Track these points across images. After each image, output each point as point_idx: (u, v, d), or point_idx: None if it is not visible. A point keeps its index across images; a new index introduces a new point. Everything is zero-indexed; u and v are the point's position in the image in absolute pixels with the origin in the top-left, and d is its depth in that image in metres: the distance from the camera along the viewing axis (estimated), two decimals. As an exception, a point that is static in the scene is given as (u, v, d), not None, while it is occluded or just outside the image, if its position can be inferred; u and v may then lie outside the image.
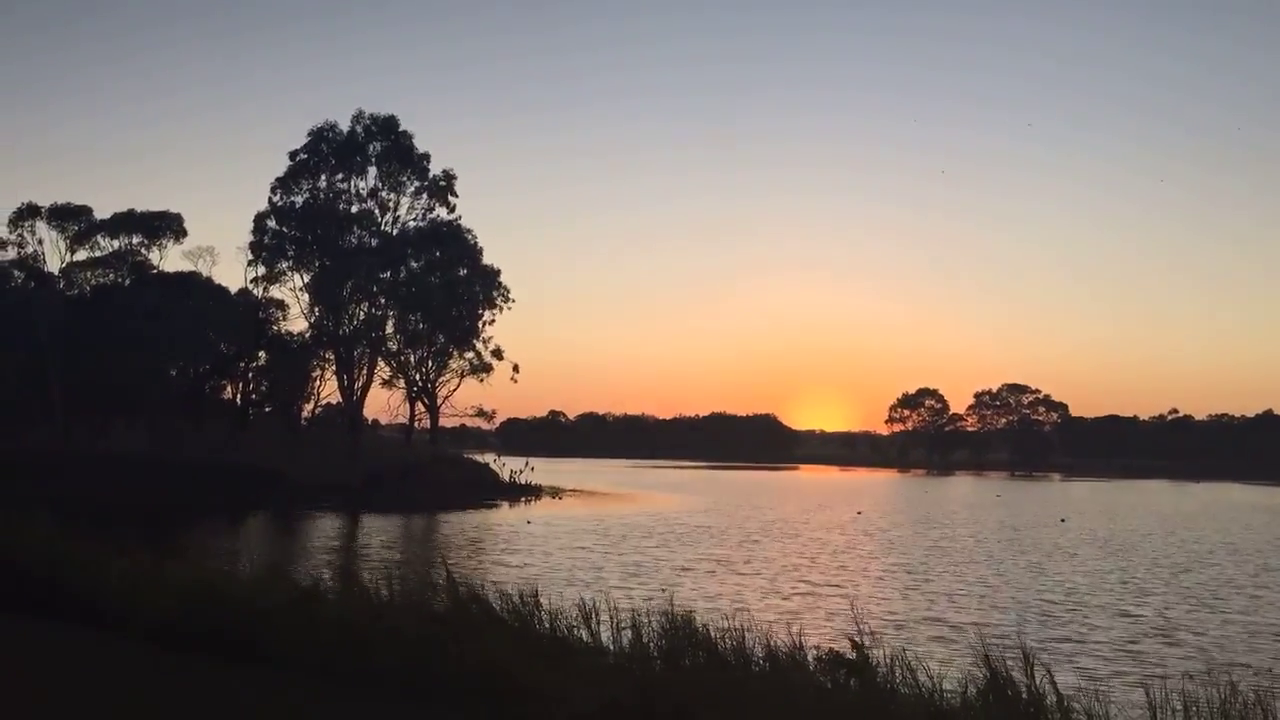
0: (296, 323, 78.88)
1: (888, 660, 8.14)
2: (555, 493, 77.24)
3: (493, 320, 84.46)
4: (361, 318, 78.69)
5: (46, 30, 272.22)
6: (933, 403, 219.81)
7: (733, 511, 63.43)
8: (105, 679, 9.99)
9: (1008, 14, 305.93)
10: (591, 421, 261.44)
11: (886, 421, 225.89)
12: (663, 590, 24.92)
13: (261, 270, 77.66)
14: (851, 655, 8.21)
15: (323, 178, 77.94)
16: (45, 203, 74.77)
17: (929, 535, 49.20)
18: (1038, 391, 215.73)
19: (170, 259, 79.64)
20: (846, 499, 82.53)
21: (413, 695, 9.30)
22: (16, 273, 75.18)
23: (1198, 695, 7.68)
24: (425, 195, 79.49)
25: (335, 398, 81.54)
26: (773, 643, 8.63)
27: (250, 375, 79.69)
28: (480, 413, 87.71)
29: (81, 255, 76.40)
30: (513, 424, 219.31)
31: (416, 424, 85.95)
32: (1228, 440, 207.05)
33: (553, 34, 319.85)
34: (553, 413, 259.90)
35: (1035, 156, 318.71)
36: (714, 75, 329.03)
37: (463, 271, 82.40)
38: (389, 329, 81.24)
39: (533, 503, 69.00)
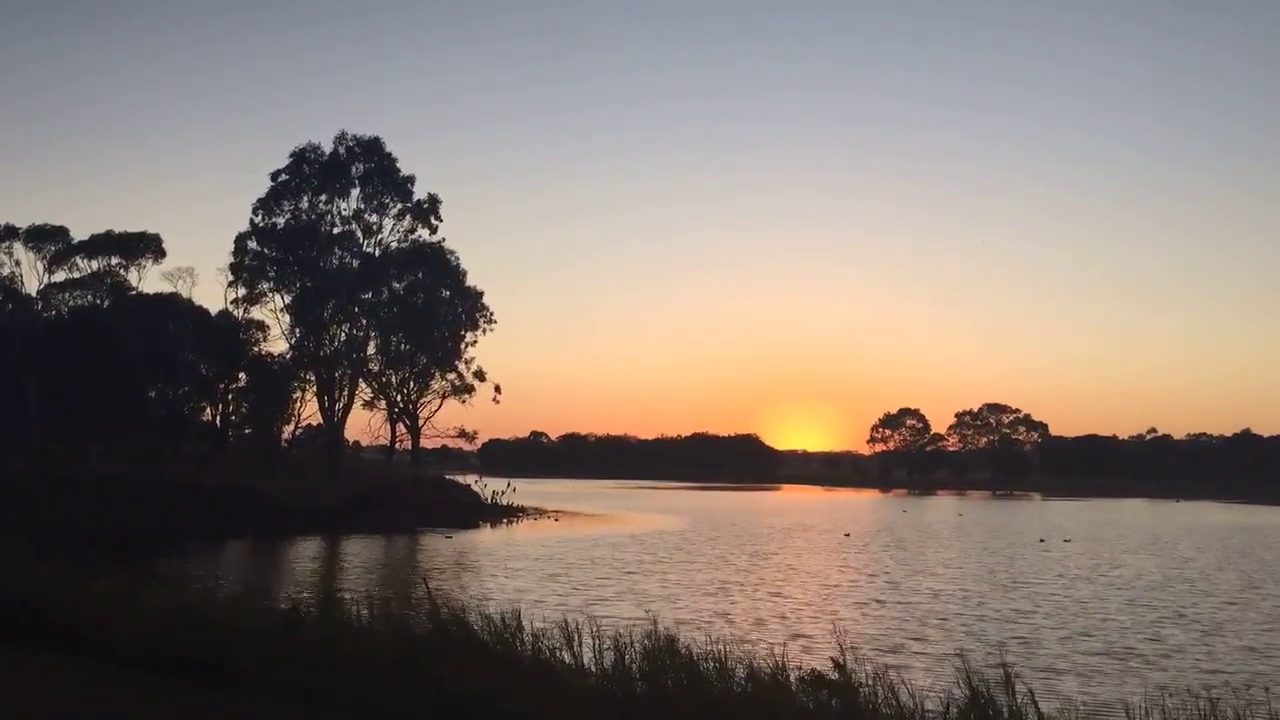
0: (277, 344, 78.69)
1: (870, 680, 8.15)
2: (537, 514, 77.01)
3: (475, 341, 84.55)
4: (343, 339, 78.47)
5: (23, 49, 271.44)
6: (914, 422, 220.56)
7: (720, 533, 63.34)
8: (83, 705, 9.89)
9: (1003, 24, 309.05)
10: (573, 442, 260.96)
11: (868, 441, 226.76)
12: (646, 612, 24.88)
13: (242, 291, 77.48)
14: (834, 675, 8.20)
15: (305, 199, 77.79)
16: (22, 224, 74.44)
17: (918, 559, 49.31)
18: (1018, 411, 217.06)
19: (149, 280, 79.27)
20: (831, 520, 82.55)
21: (394, 719, 9.24)
22: (-7, 295, 74.62)
23: (1178, 714, 7.72)
24: (408, 217, 79.44)
25: (316, 419, 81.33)
26: (755, 664, 8.62)
27: (230, 397, 79.32)
28: (462, 434, 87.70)
29: (59, 276, 75.99)
30: (494, 445, 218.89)
31: (398, 445, 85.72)
32: (1206, 459, 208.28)
33: (533, 52, 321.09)
34: (534, 433, 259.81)
35: (1015, 178, 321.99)
36: (694, 98, 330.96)
37: (445, 293, 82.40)
38: (370, 350, 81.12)
39: (515, 524, 68.77)
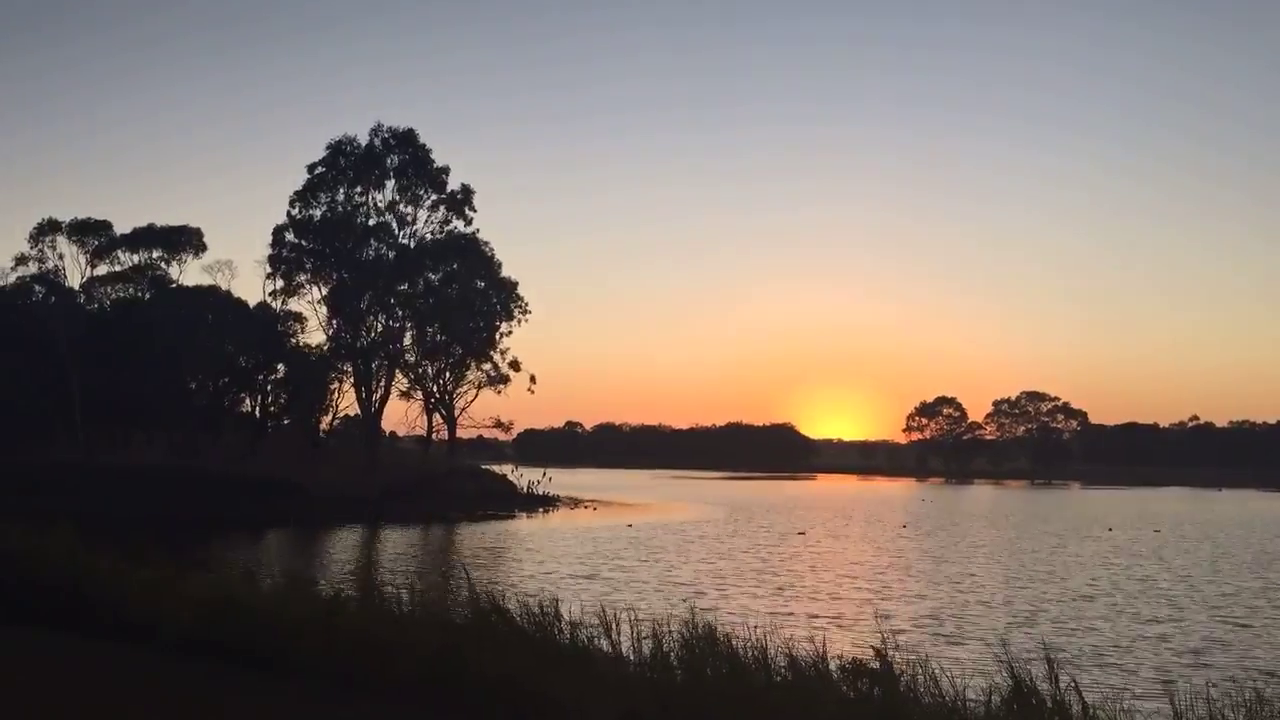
0: (315, 335, 79.32)
1: (911, 669, 8.09)
2: (573, 503, 77.18)
3: (510, 332, 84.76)
4: (379, 330, 78.98)
5: (65, 46, 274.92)
6: (951, 411, 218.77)
7: (758, 522, 63.21)
8: (129, 691, 10.03)
9: (1010, 23, 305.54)
10: (608, 432, 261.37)
11: (904, 430, 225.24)
12: (683, 600, 24.90)
13: (280, 283, 78.06)
14: (874, 664, 8.16)
15: (341, 191, 78.27)
16: (66, 218, 75.48)
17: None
18: (1056, 399, 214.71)
19: (190, 273, 79.96)
20: (877, 509, 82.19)
21: (435, 705, 9.30)
22: (38, 287, 75.78)
23: (1223, 704, 7.63)
24: (443, 208, 79.76)
25: (353, 410, 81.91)
26: (795, 652, 8.58)
27: (269, 388, 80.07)
28: (497, 424, 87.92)
29: (102, 270, 77.07)
30: (530, 435, 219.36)
31: (434, 435, 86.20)
32: (1249, 447, 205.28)
33: (570, 46, 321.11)
34: (569, 423, 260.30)
35: (1051, 163, 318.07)
36: (729, 87, 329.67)
37: (480, 284, 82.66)
38: (407, 341, 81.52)
39: (551, 513, 68.95)
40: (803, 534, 53.57)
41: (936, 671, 8.10)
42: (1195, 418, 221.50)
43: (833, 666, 8.37)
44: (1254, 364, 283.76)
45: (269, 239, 78.28)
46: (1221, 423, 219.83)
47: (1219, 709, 7.58)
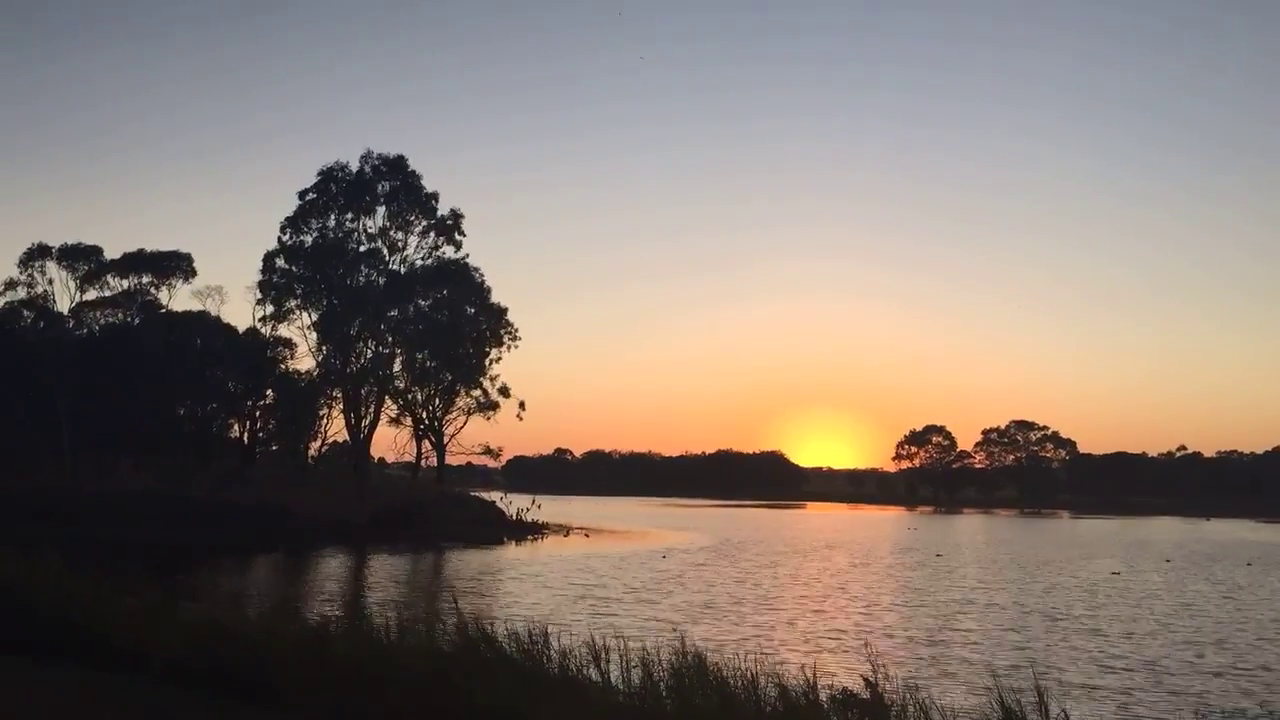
0: (304, 361, 79.14)
1: (900, 699, 8.10)
2: (563, 530, 76.90)
3: (499, 358, 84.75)
4: (369, 356, 78.88)
5: (55, 69, 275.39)
6: (940, 440, 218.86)
7: (749, 551, 63.05)
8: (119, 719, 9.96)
9: (1013, 41, 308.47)
10: (597, 459, 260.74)
11: (894, 459, 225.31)
12: (673, 629, 24.80)
13: (270, 309, 77.99)
14: (865, 695, 8.18)
15: (332, 217, 78.40)
16: (55, 243, 75.32)
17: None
18: (1045, 428, 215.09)
19: (179, 298, 79.84)
20: (871, 537, 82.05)
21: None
22: (26, 313, 75.43)
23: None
24: (433, 234, 79.95)
25: (342, 436, 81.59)
26: (785, 682, 8.58)
27: (258, 414, 79.76)
28: (487, 450, 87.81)
29: (91, 295, 76.72)
30: (519, 461, 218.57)
31: (423, 462, 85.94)
32: (1237, 477, 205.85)
33: (557, 70, 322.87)
34: (559, 450, 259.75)
35: (1041, 190, 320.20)
36: (715, 106, 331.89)
37: (470, 310, 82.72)
38: (396, 367, 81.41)
39: (540, 541, 68.68)
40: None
41: (926, 701, 8.10)
42: (1183, 447, 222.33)
43: (823, 697, 8.37)
44: (1242, 394, 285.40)
45: (259, 265, 78.39)
46: (1209, 453, 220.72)
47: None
